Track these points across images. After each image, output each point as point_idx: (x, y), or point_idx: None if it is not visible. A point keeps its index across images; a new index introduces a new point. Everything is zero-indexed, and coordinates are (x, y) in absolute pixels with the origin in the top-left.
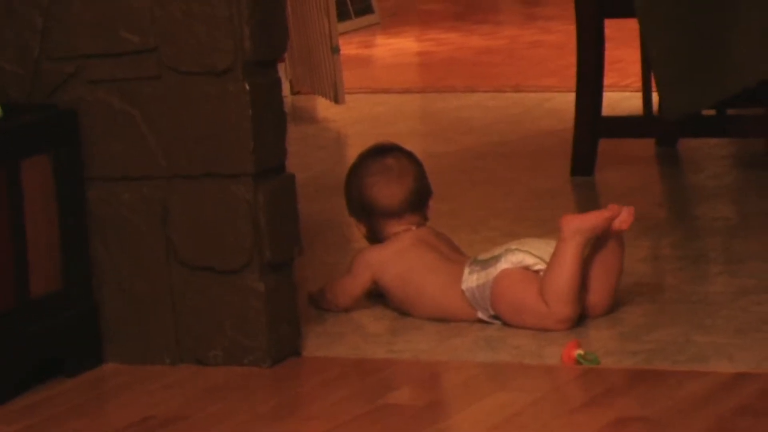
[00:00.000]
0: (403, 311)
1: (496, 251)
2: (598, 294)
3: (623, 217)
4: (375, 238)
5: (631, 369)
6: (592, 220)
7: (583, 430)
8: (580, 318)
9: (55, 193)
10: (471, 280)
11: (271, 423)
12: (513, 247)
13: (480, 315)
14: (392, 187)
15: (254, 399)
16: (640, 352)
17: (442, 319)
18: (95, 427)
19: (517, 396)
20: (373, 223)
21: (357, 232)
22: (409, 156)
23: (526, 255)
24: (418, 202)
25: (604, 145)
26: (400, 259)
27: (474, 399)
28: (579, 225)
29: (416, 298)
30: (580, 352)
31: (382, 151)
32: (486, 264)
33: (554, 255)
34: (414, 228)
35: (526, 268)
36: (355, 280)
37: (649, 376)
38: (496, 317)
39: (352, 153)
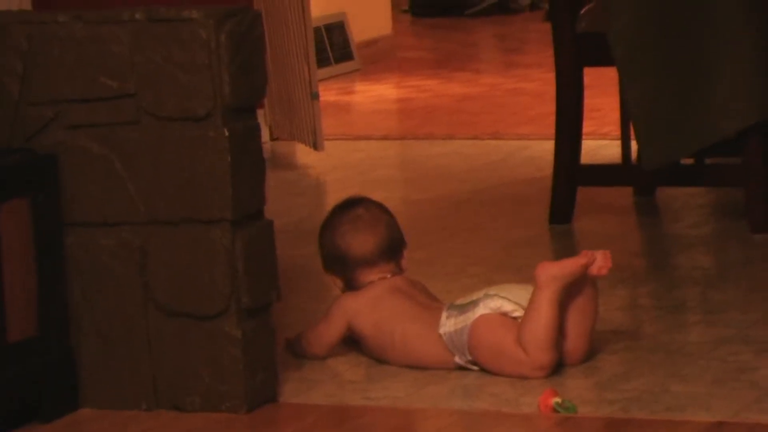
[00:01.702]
0: (376, 358)
1: (474, 296)
2: (574, 340)
3: (600, 263)
4: (351, 290)
5: (608, 418)
6: (568, 267)
7: None
8: (558, 366)
9: (33, 237)
10: (449, 324)
11: None
12: (491, 292)
13: (457, 360)
14: (364, 235)
15: None
16: (618, 400)
17: (418, 366)
18: None
19: None
20: (348, 274)
21: (332, 284)
22: (380, 206)
23: (504, 301)
24: (391, 250)
25: (583, 193)
26: (375, 306)
27: None
28: (555, 272)
29: (392, 345)
30: (558, 400)
31: (351, 203)
32: (464, 309)
33: (531, 302)
34: (389, 276)
35: (504, 314)
36: (330, 327)
37: (626, 425)
38: (473, 362)
39: (331, 199)
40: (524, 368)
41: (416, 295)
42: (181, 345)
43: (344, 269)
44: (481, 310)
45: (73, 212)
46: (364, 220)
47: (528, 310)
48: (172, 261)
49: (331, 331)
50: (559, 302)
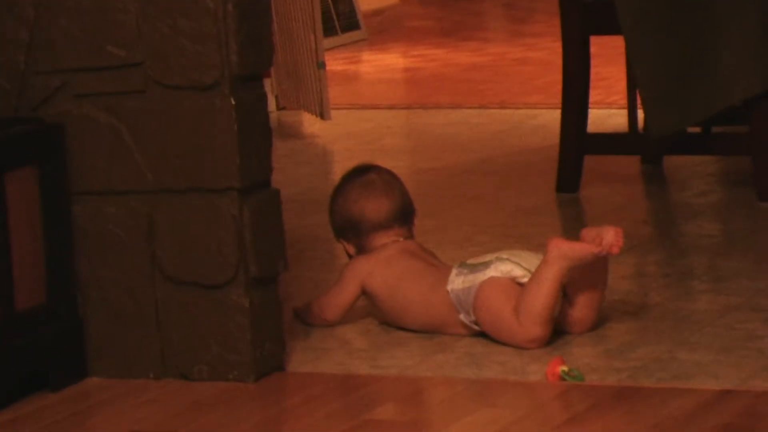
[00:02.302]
0: (389, 321)
1: (487, 257)
2: (582, 309)
3: (611, 240)
4: (364, 254)
5: (615, 386)
6: (580, 250)
7: None
8: (565, 334)
9: (40, 206)
10: (457, 282)
11: None
12: (504, 256)
13: (462, 318)
14: (379, 199)
15: (238, 414)
16: (625, 369)
17: (426, 324)
18: None
19: (502, 413)
20: (362, 239)
21: (345, 252)
22: (390, 173)
23: (515, 266)
24: (404, 215)
25: (590, 162)
26: (387, 266)
27: (458, 415)
28: (566, 251)
29: (402, 304)
30: (565, 368)
31: (362, 170)
32: (474, 269)
33: (535, 274)
34: (401, 239)
35: (514, 279)
36: (343, 290)
37: (633, 393)
38: (476, 322)
39: (338, 169)
40: (516, 338)
41: (427, 257)
42: (188, 314)
43: (358, 235)
44: (492, 272)
45: (80, 181)
46: (377, 185)
47: (530, 281)
48: (179, 230)
49: (344, 294)
50: (562, 281)
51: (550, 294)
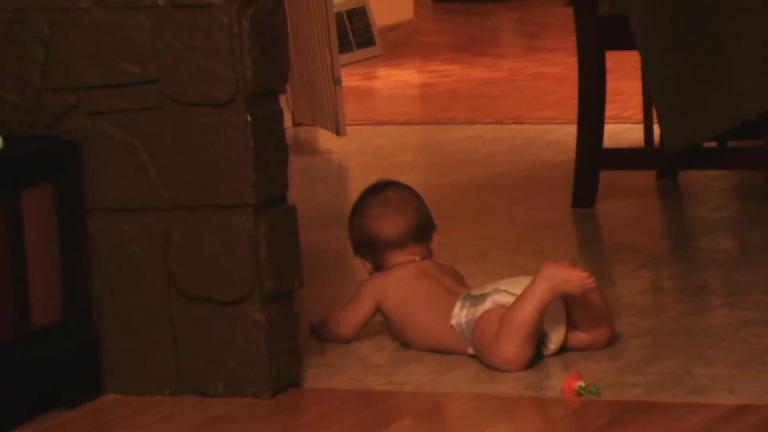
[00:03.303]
0: (401, 340)
1: (487, 288)
2: (594, 332)
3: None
4: (380, 271)
5: (631, 401)
6: (567, 275)
7: None
8: (581, 350)
9: (56, 223)
10: (461, 315)
11: None
12: (502, 287)
13: (469, 350)
14: (393, 217)
15: (255, 430)
16: (641, 384)
17: (437, 351)
18: None
19: (518, 428)
20: (378, 257)
21: (362, 268)
22: (409, 189)
23: (511, 297)
24: (420, 233)
25: (605, 176)
26: (401, 287)
27: (474, 431)
28: (555, 273)
29: (412, 328)
30: (581, 383)
31: (381, 186)
32: (475, 301)
33: (520, 294)
34: (418, 259)
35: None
36: (359, 307)
37: (649, 408)
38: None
39: (354, 185)
40: (492, 357)
41: (444, 279)
42: (204, 330)
43: (374, 252)
44: (488, 305)
45: (95, 198)
46: (392, 203)
47: (515, 301)
48: (194, 246)
49: (359, 310)
50: (547, 302)
51: (532, 312)
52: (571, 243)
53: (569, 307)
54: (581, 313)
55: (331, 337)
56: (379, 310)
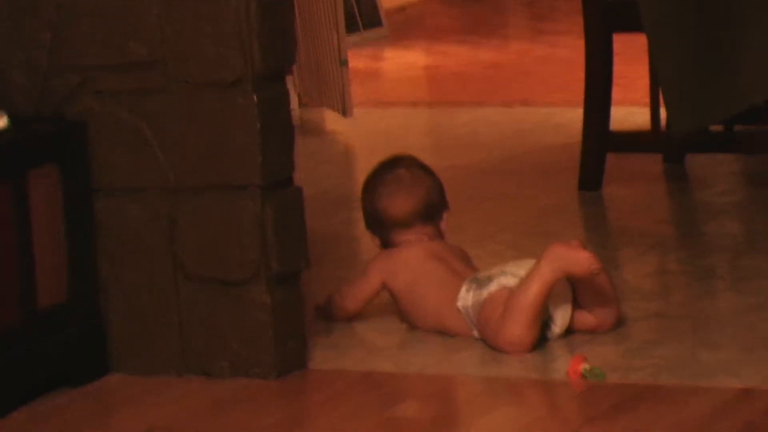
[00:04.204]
0: (407, 321)
1: (493, 271)
2: (599, 314)
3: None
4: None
5: (636, 385)
6: (575, 257)
7: None
8: (587, 333)
9: (62, 204)
10: (467, 298)
11: None
12: (508, 270)
13: (474, 333)
14: (402, 196)
15: (260, 412)
16: (646, 367)
17: (442, 333)
18: None
19: (523, 411)
20: (385, 234)
21: (371, 244)
22: (424, 168)
23: (517, 280)
24: (428, 213)
25: (612, 160)
26: (409, 268)
27: (480, 413)
28: (561, 253)
29: (418, 309)
30: (587, 366)
31: (395, 162)
32: (481, 284)
33: (526, 276)
34: (426, 240)
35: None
36: (366, 282)
37: (655, 392)
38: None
39: (360, 167)
40: (498, 339)
41: (452, 261)
42: (210, 311)
43: (381, 229)
44: (494, 287)
45: (102, 179)
46: (404, 181)
47: (521, 282)
48: (201, 227)
49: (365, 286)
50: (552, 283)
51: (537, 293)
52: (577, 226)
53: (575, 289)
54: (587, 294)
55: (336, 312)
56: (385, 288)
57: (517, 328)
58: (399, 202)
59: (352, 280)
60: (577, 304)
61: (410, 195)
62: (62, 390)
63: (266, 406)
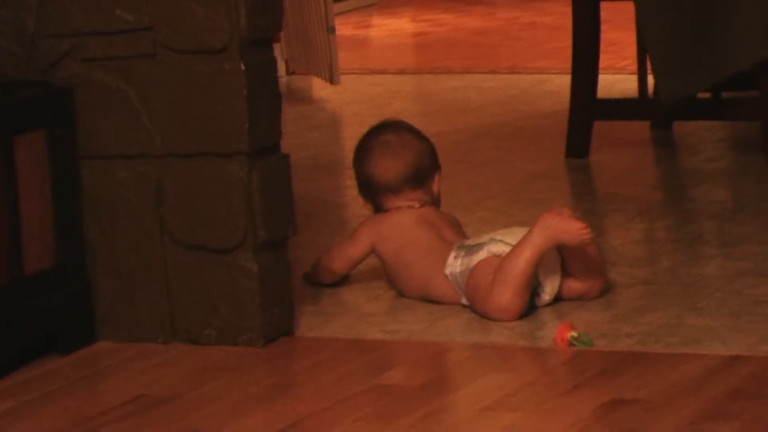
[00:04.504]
0: (395, 287)
1: (482, 238)
2: (587, 279)
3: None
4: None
5: (624, 351)
6: (565, 224)
7: (575, 412)
8: (574, 300)
9: (49, 170)
10: (455, 265)
11: (264, 402)
12: (497, 237)
13: (463, 300)
14: (390, 161)
15: (247, 378)
16: (634, 334)
17: (428, 300)
18: (89, 405)
19: (511, 377)
20: (376, 200)
21: (359, 210)
22: (413, 132)
23: (507, 247)
24: (417, 178)
25: (599, 127)
26: (398, 234)
27: (467, 380)
28: (552, 222)
29: (406, 276)
30: (574, 334)
31: (385, 126)
32: (470, 250)
33: (517, 243)
34: (417, 205)
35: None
36: (355, 244)
37: (642, 358)
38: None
39: (348, 133)
40: (487, 305)
41: (442, 228)
42: (197, 278)
43: (372, 195)
44: (483, 254)
45: (89, 145)
46: (392, 146)
47: (511, 250)
48: (188, 194)
49: (355, 248)
50: (543, 251)
51: (528, 260)
52: (564, 193)
53: (564, 257)
54: (576, 263)
55: (323, 273)
56: (374, 252)
57: (507, 294)
58: (386, 167)
59: (340, 243)
60: (565, 272)
61: (398, 159)
62: (50, 357)
63: (253, 372)
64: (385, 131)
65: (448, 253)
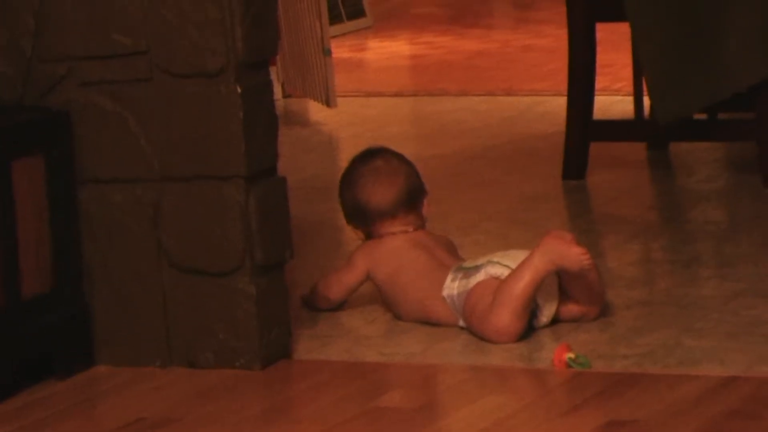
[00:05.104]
0: (392, 311)
1: (479, 260)
2: (586, 304)
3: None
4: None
5: (621, 372)
6: (566, 249)
7: None
8: (571, 321)
9: (47, 194)
10: (452, 287)
11: (261, 425)
12: (495, 259)
13: (460, 322)
14: (383, 186)
15: (245, 401)
16: (631, 355)
17: (426, 322)
18: (86, 429)
19: (508, 399)
20: (369, 226)
21: (354, 237)
22: (399, 157)
23: (505, 270)
24: (410, 201)
25: (596, 148)
26: (393, 258)
27: (465, 402)
28: (554, 247)
29: (402, 299)
30: (571, 355)
31: (370, 154)
32: (468, 272)
33: (518, 266)
34: (411, 230)
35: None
36: (350, 271)
37: (639, 379)
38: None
39: (344, 156)
40: (487, 327)
41: (436, 250)
42: (194, 301)
43: (365, 222)
44: (481, 276)
45: (86, 169)
46: (382, 172)
47: (512, 272)
48: (185, 217)
49: (350, 275)
50: (544, 276)
51: (528, 283)
52: (561, 214)
53: (563, 281)
54: (575, 287)
55: (319, 302)
56: (370, 278)
57: (506, 317)
58: (381, 192)
59: (336, 270)
60: (563, 294)
61: (391, 184)
62: (47, 381)
63: (251, 395)
64: (372, 158)
65: (444, 275)
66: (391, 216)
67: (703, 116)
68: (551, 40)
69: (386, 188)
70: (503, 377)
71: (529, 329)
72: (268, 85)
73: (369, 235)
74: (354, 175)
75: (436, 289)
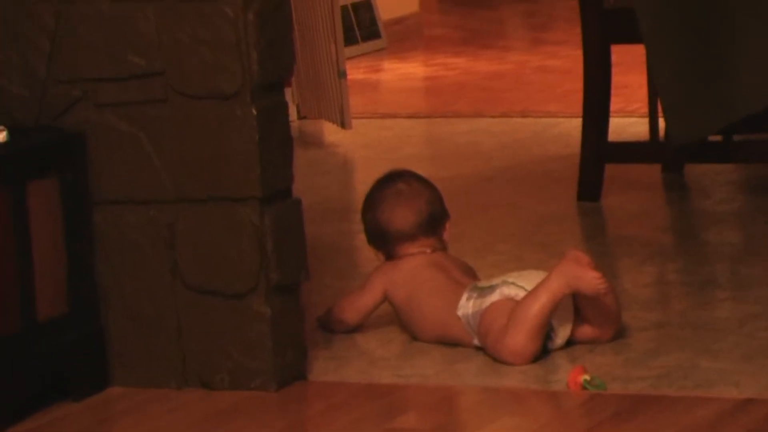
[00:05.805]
0: (408, 331)
1: (495, 281)
2: (602, 325)
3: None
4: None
5: (637, 394)
6: (582, 273)
7: None
8: (587, 343)
9: (62, 215)
10: (467, 306)
11: None
12: (510, 279)
13: (475, 342)
14: (404, 210)
15: (260, 423)
16: (647, 377)
17: (443, 343)
18: None
19: (524, 421)
20: (389, 248)
21: (374, 258)
22: (422, 180)
23: (520, 290)
24: (431, 225)
25: (611, 170)
26: (410, 278)
27: (480, 424)
28: (570, 270)
29: (419, 318)
30: (587, 377)
31: (393, 177)
32: (482, 292)
33: (534, 288)
34: (429, 251)
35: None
36: (366, 294)
37: (655, 401)
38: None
39: (359, 178)
40: (502, 349)
41: (453, 271)
42: (209, 323)
43: (385, 244)
44: (496, 296)
45: (101, 190)
46: (404, 195)
47: (528, 294)
48: (200, 239)
49: (367, 297)
50: (560, 299)
51: (544, 305)
52: (576, 236)
53: (579, 303)
54: (591, 310)
55: (336, 324)
56: (387, 299)
57: (521, 338)
58: (402, 215)
59: (352, 293)
60: (578, 316)
61: (412, 207)
62: (63, 402)
63: (266, 417)
64: (394, 181)
65: (460, 294)
66: (411, 239)
67: (718, 138)
68: (566, 62)
69: (406, 212)
70: (518, 399)
71: (543, 351)
72: (283, 107)
73: (389, 257)
74: (376, 197)
75: (451, 308)
